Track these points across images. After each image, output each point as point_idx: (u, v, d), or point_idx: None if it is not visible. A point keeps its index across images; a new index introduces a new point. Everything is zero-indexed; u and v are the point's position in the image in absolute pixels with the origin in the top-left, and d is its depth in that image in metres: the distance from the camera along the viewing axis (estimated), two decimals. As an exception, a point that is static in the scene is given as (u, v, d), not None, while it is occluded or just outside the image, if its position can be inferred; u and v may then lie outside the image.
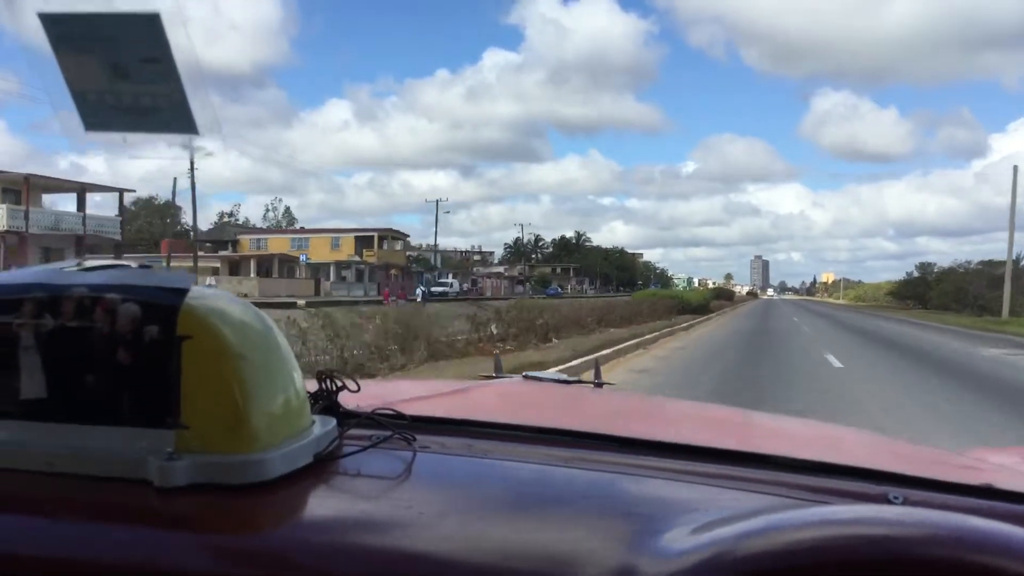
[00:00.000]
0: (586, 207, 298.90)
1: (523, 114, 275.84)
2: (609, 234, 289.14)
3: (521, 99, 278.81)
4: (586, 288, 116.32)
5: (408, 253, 72.76)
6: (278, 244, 63.75)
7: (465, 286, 79.50)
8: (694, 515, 0.68)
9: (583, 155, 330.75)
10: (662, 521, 0.67)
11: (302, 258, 50.52)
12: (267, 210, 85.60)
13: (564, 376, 1.78)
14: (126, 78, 0.73)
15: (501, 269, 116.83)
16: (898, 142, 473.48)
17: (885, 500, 0.79)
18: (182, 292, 0.73)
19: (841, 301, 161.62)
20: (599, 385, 1.87)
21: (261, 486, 0.71)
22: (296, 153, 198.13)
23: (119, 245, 39.97)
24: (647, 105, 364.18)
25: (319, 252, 62.66)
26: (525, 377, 1.80)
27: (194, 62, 0.72)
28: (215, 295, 0.77)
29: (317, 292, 50.85)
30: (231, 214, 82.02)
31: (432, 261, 73.17)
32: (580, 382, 1.85)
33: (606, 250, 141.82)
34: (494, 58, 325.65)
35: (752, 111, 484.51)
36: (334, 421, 0.85)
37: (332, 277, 57.99)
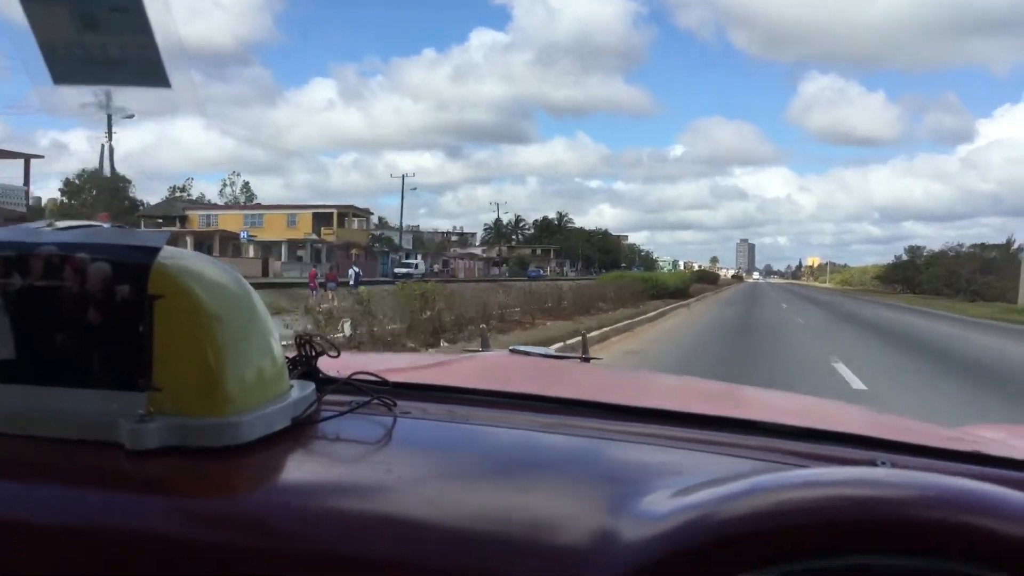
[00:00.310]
0: (574, 189, 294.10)
1: (511, 95, 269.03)
2: (597, 216, 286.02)
3: (509, 80, 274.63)
4: (567, 270, 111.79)
5: (373, 232, 67.42)
6: (230, 221, 58.58)
7: (436, 267, 74.64)
8: (677, 479, 0.67)
9: (571, 137, 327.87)
10: (644, 485, 0.66)
11: (242, 235, 45.38)
12: (224, 185, 79.99)
13: (551, 351, 1.78)
14: (95, 28, 0.70)
15: (479, 250, 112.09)
16: (885, 127, 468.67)
17: (872, 465, 0.77)
18: (153, 251, 0.70)
19: (827, 285, 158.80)
20: (586, 360, 1.85)
21: (236, 449, 0.70)
22: (281, 133, 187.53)
23: (24, 218, 34.73)
24: (636, 88, 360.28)
25: (274, 230, 57.73)
26: (512, 351, 1.77)
27: (176, 38, 0.70)
28: (189, 255, 0.75)
29: (265, 273, 45.87)
30: (183, 189, 76.50)
31: (398, 241, 67.95)
32: (567, 357, 1.83)
33: (589, 232, 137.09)
34: (481, 38, 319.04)
35: (740, 95, 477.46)
36: (312, 386, 0.84)
37: (284, 256, 52.86)
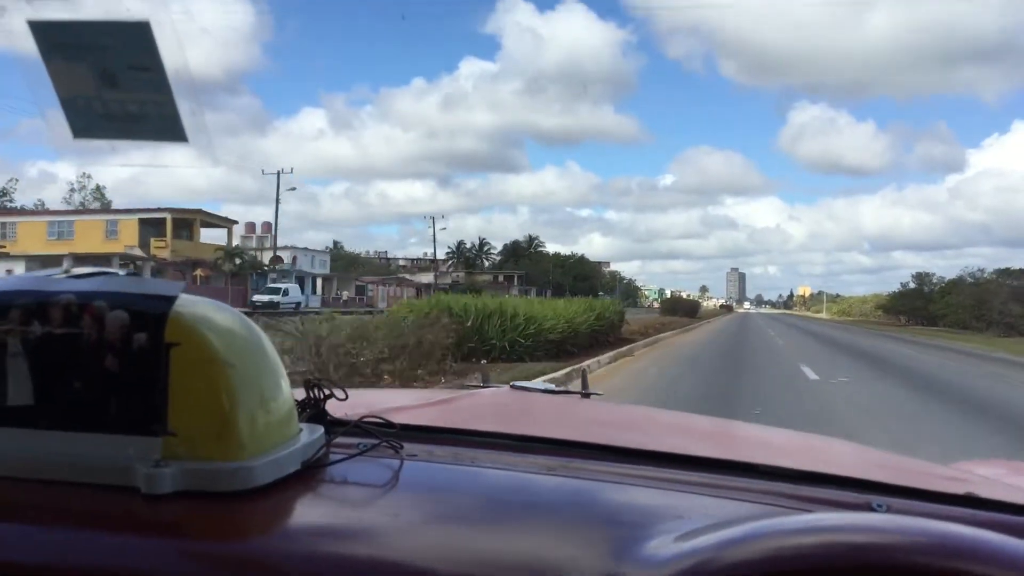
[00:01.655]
0: (564, 219, 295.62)
1: (500, 124, 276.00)
2: (587, 246, 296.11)
3: (498, 109, 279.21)
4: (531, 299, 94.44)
5: (233, 249, 49.53)
6: (30, 231, 40.94)
7: (343, 295, 57.41)
8: (678, 523, 0.69)
9: (561, 166, 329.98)
10: (646, 529, 0.68)
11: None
12: (72, 190, 62.84)
13: (552, 386, 1.84)
14: (115, 86, 0.73)
15: (431, 276, 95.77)
16: (875, 156, 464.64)
17: (868, 508, 0.80)
18: (170, 300, 0.73)
19: (824, 316, 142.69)
20: (586, 395, 1.84)
21: (248, 494, 0.72)
22: (270, 161, 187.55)
23: None
24: (625, 116, 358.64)
25: (89, 241, 40.62)
26: (512, 387, 1.83)
27: (187, 79, 0.73)
28: (203, 302, 0.77)
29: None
30: (3, 193, 59.23)
31: (270, 258, 50.50)
32: (568, 392, 1.86)
33: (564, 257, 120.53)
34: (471, 67, 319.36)
35: (730, 124, 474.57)
36: (322, 429, 0.86)
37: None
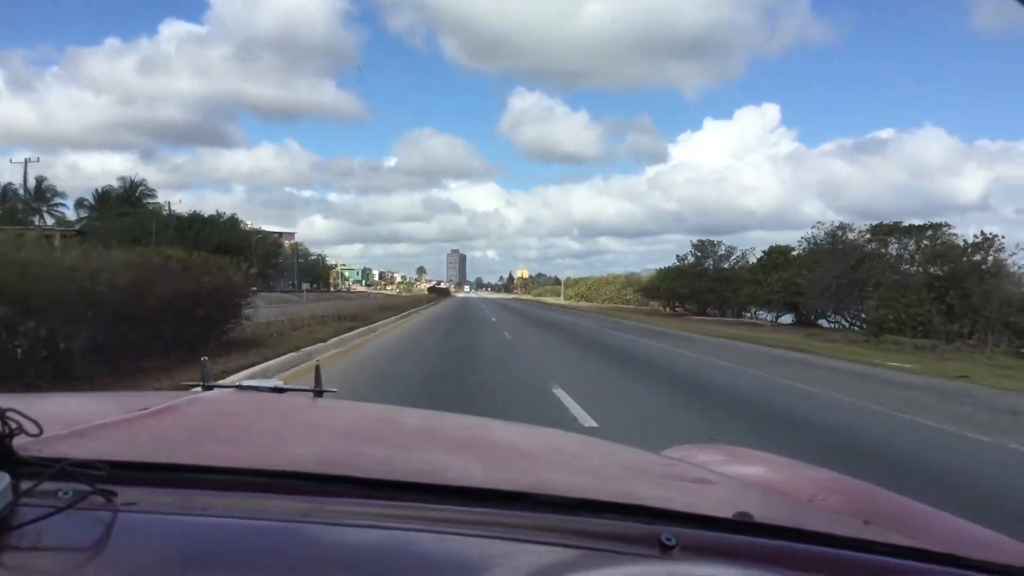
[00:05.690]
0: (284, 199, 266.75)
1: (211, 94, 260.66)
2: (308, 228, 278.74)
3: (208, 77, 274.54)
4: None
5: None
6: None
7: None
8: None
9: (279, 143, 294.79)
10: None
11: None
12: None
13: (281, 384, 1.71)
14: None
15: None
16: (586, 145, 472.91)
17: (659, 543, 0.77)
18: None
19: (561, 301, 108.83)
20: (319, 393, 1.69)
21: None
22: None
23: None
24: (347, 93, 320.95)
25: None
26: (239, 388, 1.66)
27: None
28: None
29: None
30: None
31: None
32: (300, 390, 1.73)
33: (198, 217, 75.03)
34: (174, 29, 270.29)
35: (452, 107, 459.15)
36: (8, 478, 0.67)
37: None
